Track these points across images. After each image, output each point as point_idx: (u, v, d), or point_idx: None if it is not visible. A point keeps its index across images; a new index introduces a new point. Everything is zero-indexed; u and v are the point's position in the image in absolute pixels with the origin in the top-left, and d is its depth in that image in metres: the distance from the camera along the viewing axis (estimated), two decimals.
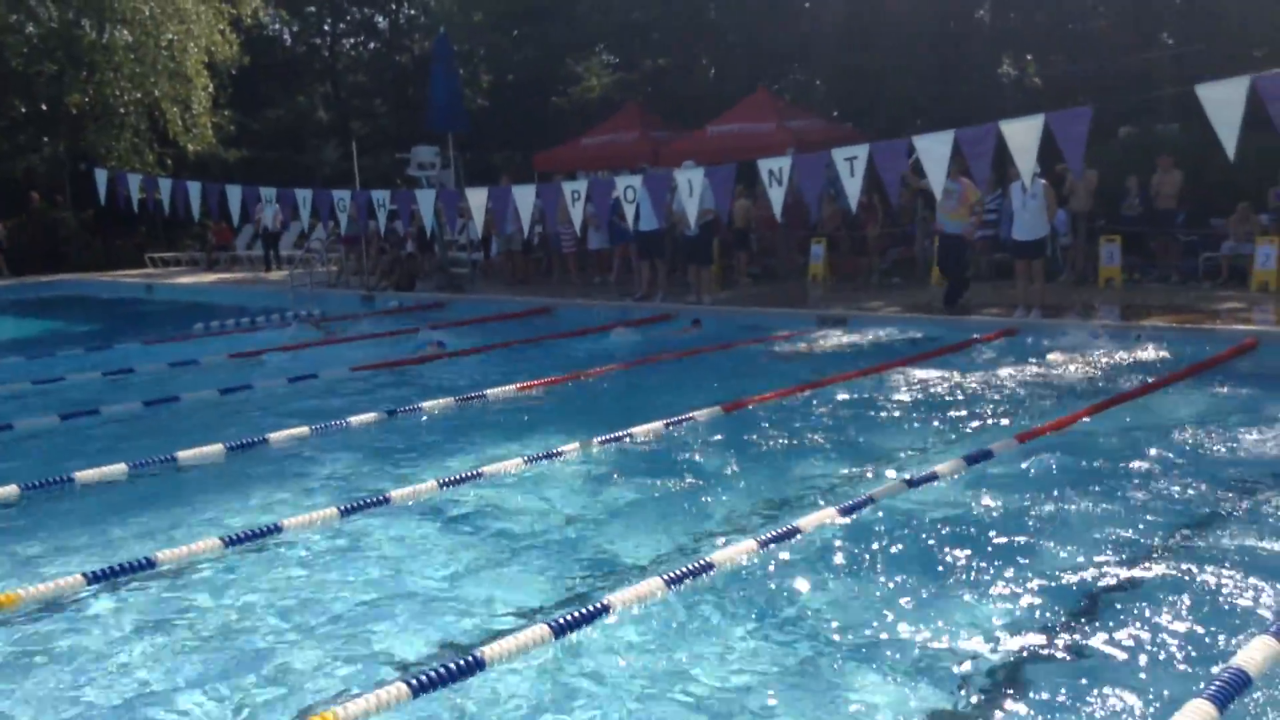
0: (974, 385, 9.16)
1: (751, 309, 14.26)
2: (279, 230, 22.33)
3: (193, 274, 23.15)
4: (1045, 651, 4.26)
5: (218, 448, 7.42)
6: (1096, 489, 6.21)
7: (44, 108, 24.19)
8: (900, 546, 5.41)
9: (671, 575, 4.82)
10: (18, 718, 3.99)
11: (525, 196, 13.52)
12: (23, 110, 24.09)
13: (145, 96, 24.71)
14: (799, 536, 5.37)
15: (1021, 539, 5.45)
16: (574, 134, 22.36)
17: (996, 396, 8.77)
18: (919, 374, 9.58)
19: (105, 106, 24.39)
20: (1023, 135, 9.60)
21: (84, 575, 5.09)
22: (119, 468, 6.98)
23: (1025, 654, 4.24)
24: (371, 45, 36.87)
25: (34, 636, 4.67)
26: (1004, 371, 9.73)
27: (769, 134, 18.15)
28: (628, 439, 7.48)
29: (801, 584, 4.96)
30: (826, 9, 22.70)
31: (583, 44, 27.85)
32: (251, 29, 28.67)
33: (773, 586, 4.94)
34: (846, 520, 5.64)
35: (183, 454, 7.27)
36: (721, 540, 5.52)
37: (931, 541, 5.47)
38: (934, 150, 10.11)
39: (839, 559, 5.24)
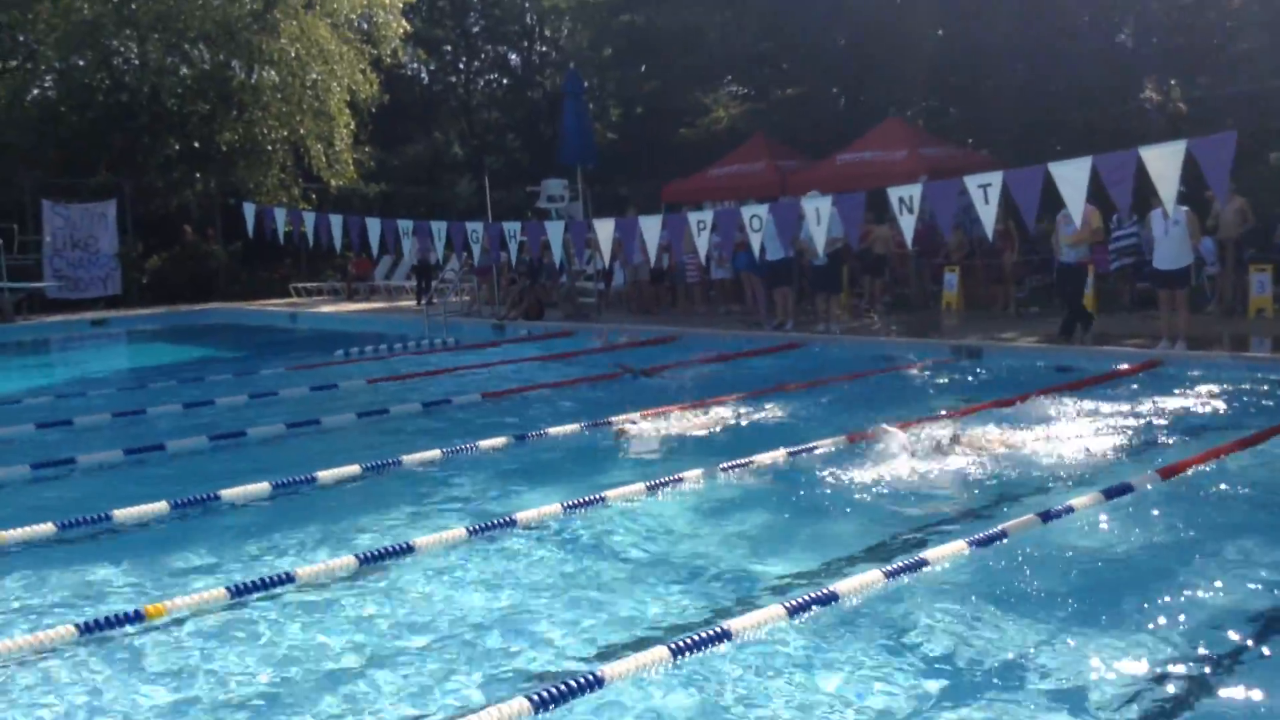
0: (1114, 418, 8.84)
1: (882, 338, 14.07)
2: (428, 261, 22.78)
3: (333, 303, 24.00)
4: (1176, 692, 4.08)
5: (354, 468, 7.68)
6: (1241, 526, 5.93)
7: (197, 146, 25.47)
8: (1032, 581, 5.25)
9: (794, 603, 4.78)
10: None
11: (652, 227, 13.65)
12: (177, 148, 25.40)
13: (291, 134, 25.83)
14: (927, 568, 5.26)
15: (1160, 576, 5.24)
16: (701, 165, 22.49)
17: (1138, 430, 8.45)
18: (1056, 406, 9.29)
19: (254, 144, 25.57)
20: (1164, 161, 9.27)
21: (227, 589, 5.31)
22: (263, 486, 7.27)
23: (1155, 694, 4.06)
24: (505, 82, 37.82)
25: (179, 647, 4.88)
26: (1146, 404, 9.36)
27: (901, 162, 17.95)
28: (750, 466, 7.45)
29: (927, 616, 4.85)
30: (959, 36, 22.38)
31: (710, 75, 28.03)
32: (391, 68, 29.74)
33: (898, 618, 4.85)
34: (977, 553, 5.51)
35: (322, 474, 7.53)
36: (846, 569, 5.45)
37: (1065, 576, 5.30)
38: (1071, 177, 9.85)
39: (967, 592, 5.11)
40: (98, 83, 24.96)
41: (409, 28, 29.06)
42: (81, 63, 24.93)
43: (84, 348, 19.81)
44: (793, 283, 15.74)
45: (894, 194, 11.20)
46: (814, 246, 13.77)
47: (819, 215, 12.03)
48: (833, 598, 4.87)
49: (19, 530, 6.28)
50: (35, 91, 25.73)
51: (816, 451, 7.83)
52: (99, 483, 8.03)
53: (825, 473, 7.34)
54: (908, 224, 11.14)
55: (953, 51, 22.43)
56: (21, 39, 24.93)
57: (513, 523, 6.26)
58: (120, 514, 6.65)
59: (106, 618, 4.97)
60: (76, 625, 4.88)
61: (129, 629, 4.95)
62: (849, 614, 4.87)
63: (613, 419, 9.16)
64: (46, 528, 6.37)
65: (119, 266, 24.36)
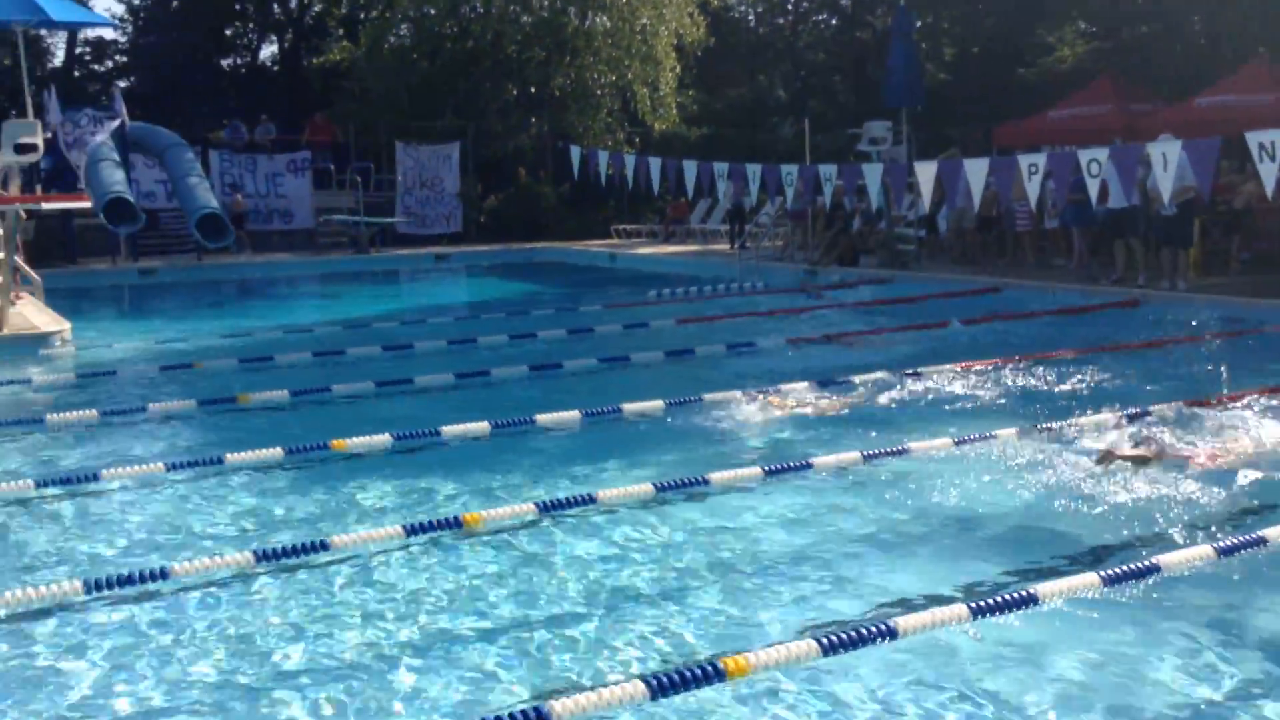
0: None
1: (1236, 299, 12.74)
2: (742, 205, 22.86)
3: (650, 245, 24.60)
4: None
5: (658, 404, 7.86)
6: None
7: (533, 90, 26.71)
8: None
9: (1110, 573, 4.44)
10: (490, 623, 4.46)
11: (978, 171, 12.98)
12: (515, 93, 26.74)
13: (619, 79, 26.55)
14: (1265, 547, 4.73)
15: None
16: (1039, 108, 21.16)
17: None
18: None
19: (584, 89, 26.49)
20: None
21: (536, 504, 5.61)
22: (573, 415, 7.59)
23: None
24: (833, 22, 37.04)
25: (490, 554, 5.20)
26: None
27: (1268, 106, 16.07)
28: (1071, 429, 6.97)
29: (1261, 599, 4.39)
30: None
31: (1056, 12, 26.24)
32: (718, 11, 29.82)
33: (1227, 598, 4.42)
34: None
35: (627, 406, 7.77)
36: (1168, 542, 5.01)
37: None
38: None
39: None
40: (447, 30, 26.65)
41: None
42: (433, 11, 26.70)
43: (427, 280, 21.46)
44: (1138, 234, 14.48)
45: (1253, 139, 10.07)
46: (1161, 195, 12.62)
47: (1166, 161, 11.01)
48: (1154, 570, 4.49)
49: (360, 439, 6.90)
50: (392, 40, 27.83)
51: (1148, 417, 7.21)
52: (431, 402, 8.68)
53: (1156, 439, 6.74)
54: (1268, 172, 10.00)
55: None
56: None
57: (809, 466, 6.19)
58: (448, 430, 7.18)
59: (431, 521, 5.37)
60: (404, 526, 5.30)
61: (447, 534, 5.32)
62: (1172, 590, 4.48)
63: (921, 370, 8.87)
64: (384, 438, 6.97)
65: (460, 205, 26.02)
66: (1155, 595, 4.46)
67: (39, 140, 12.05)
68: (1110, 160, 11.65)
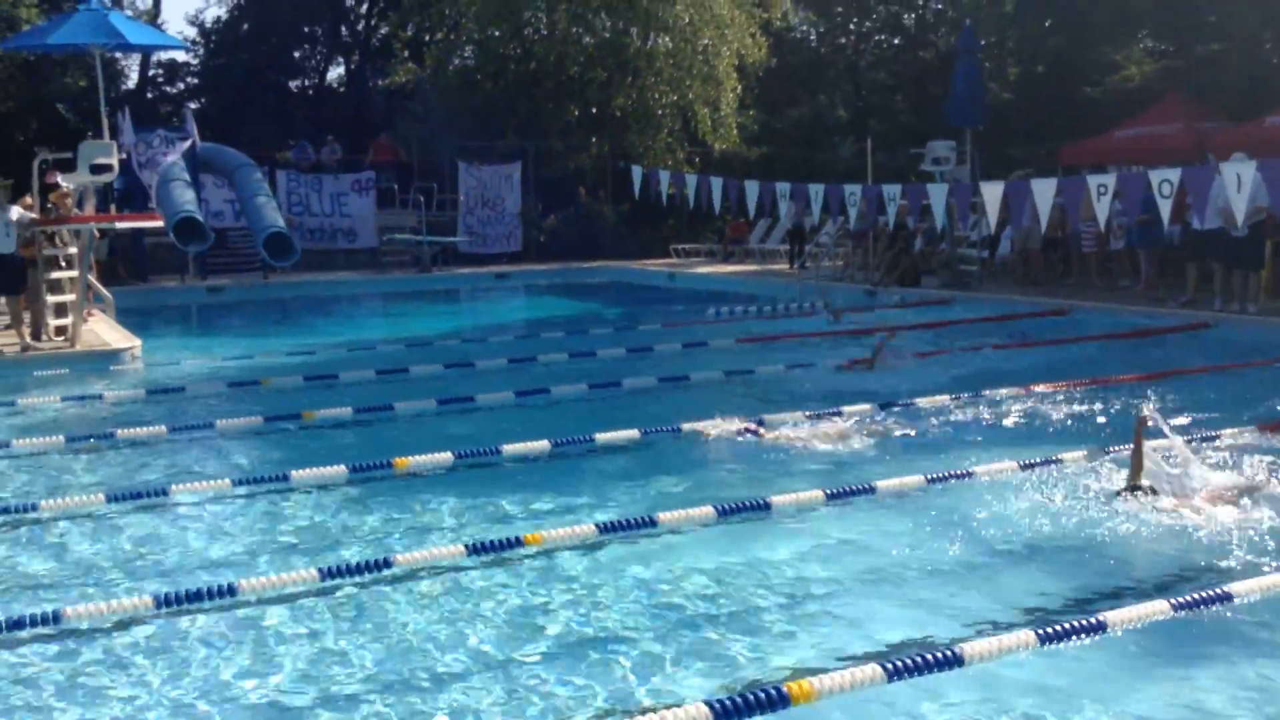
0: None
1: None
2: (802, 225, 22.73)
3: (709, 265, 24.58)
4: None
5: (716, 423, 7.84)
6: None
7: (594, 111, 26.88)
8: None
9: (1181, 600, 4.35)
10: (548, 643, 4.46)
11: (1045, 191, 12.83)
12: (576, 114, 26.93)
13: (680, 99, 26.63)
14: None
15: None
16: (1105, 127, 20.87)
17: None
18: None
19: (645, 109, 26.62)
20: None
21: (597, 525, 5.62)
22: (632, 433, 7.60)
23: None
24: (895, 41, 36.86)
25: (552, 574, 5.22)
26: None
27: None
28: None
29: None
30: None
31: (1124, 29, 25.89)
32: (780, 31, 29.76)
33: None
34: None
35: (685, 425, 7.76)
36: (1243, 570, 4.90)
37: None
38: None
39: None
40: (510, 52, 26.95)
41: None
42: (497, 33, 27.01)
43: (488, 298, 21.64)
44: (1218, 256, 14.14)
45: None
46: (1234, 216, 12.35)
47: (1239, 181, 10.79)
48: (1226, 598, 4.38)
49: (422, 457, 6.96)
50: (456, 61, 28.19)
51: (1218, 442, 7.06)
52: (492, 419, 8.74)
53: (1231, 466, 6.61)
54: None
55: None
56: (447, 13, 27.38)
57: (871, 490, 6.13)
58: (508, 449, 7.23)
59: (491, 541, 5.40)
60: (466, 545, 5.34)
61: (509, 553, 5.34)
62: (1244, 617, 4.37)
63: (985, 393, 8.77)
64: (446, 456, 7.02)
65: (521, 225, 26.22)
66: (1227, 622, 4.36)
67: (114, 161, 12.37)
68: (1186, 181, 11.43)
